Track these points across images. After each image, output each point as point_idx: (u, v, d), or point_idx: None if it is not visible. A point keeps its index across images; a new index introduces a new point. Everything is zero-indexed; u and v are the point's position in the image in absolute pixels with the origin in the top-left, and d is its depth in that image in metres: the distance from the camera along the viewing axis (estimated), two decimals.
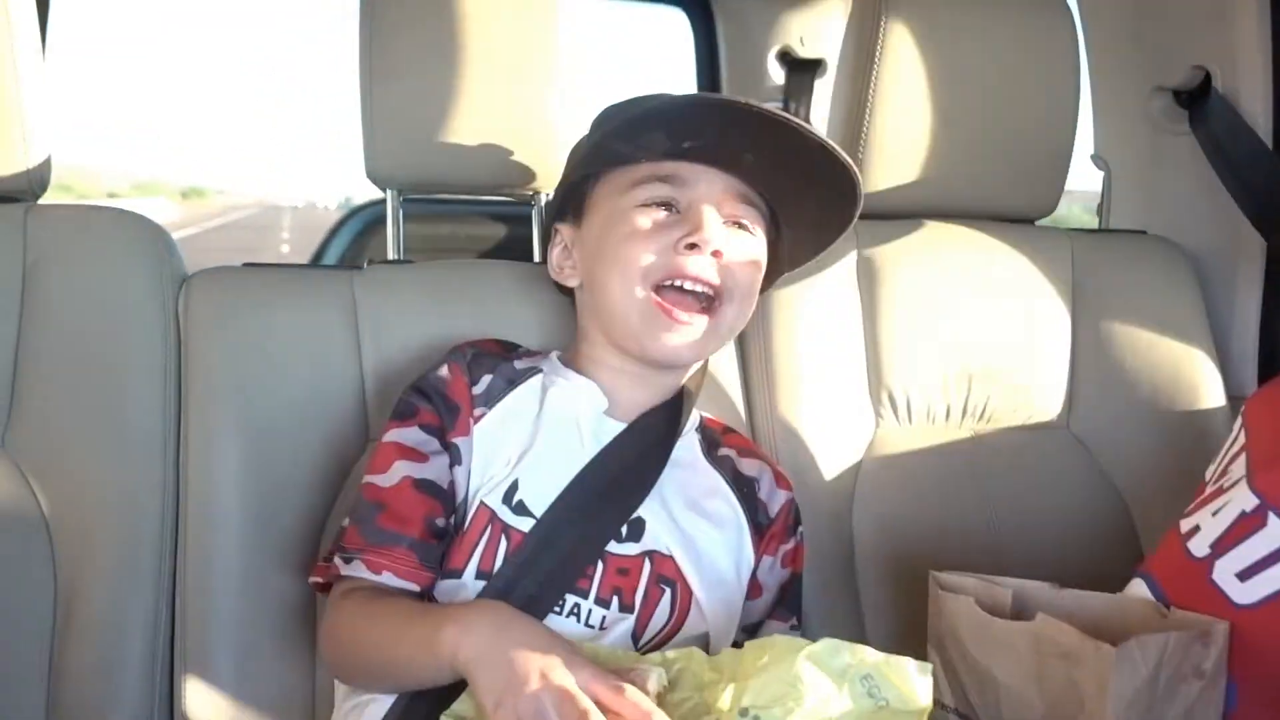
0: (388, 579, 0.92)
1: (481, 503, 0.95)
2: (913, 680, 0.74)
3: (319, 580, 0.97)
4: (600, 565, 0.95)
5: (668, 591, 0.96)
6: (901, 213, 1.32)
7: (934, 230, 1.33)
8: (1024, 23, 1.31)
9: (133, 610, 1.06)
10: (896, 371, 1.28)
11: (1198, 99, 1.45)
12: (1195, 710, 0.81)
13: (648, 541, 0.97)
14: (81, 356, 1.09)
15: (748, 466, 1.06)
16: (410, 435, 0.97)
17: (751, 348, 1.26)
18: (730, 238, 0.98)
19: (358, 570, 0.92)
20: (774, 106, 1.00)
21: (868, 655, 0.74)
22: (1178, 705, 0.79)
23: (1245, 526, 0.87)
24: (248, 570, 1.07)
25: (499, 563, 0.93)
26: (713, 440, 1.07)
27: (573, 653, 0.79)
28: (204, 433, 1.10)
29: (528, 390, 1.01)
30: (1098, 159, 1.63)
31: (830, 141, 0.96)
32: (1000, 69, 1.30)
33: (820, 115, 2.21)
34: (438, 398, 0.98)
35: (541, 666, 0.76)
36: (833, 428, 1.25)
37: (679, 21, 2.47)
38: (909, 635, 1.03)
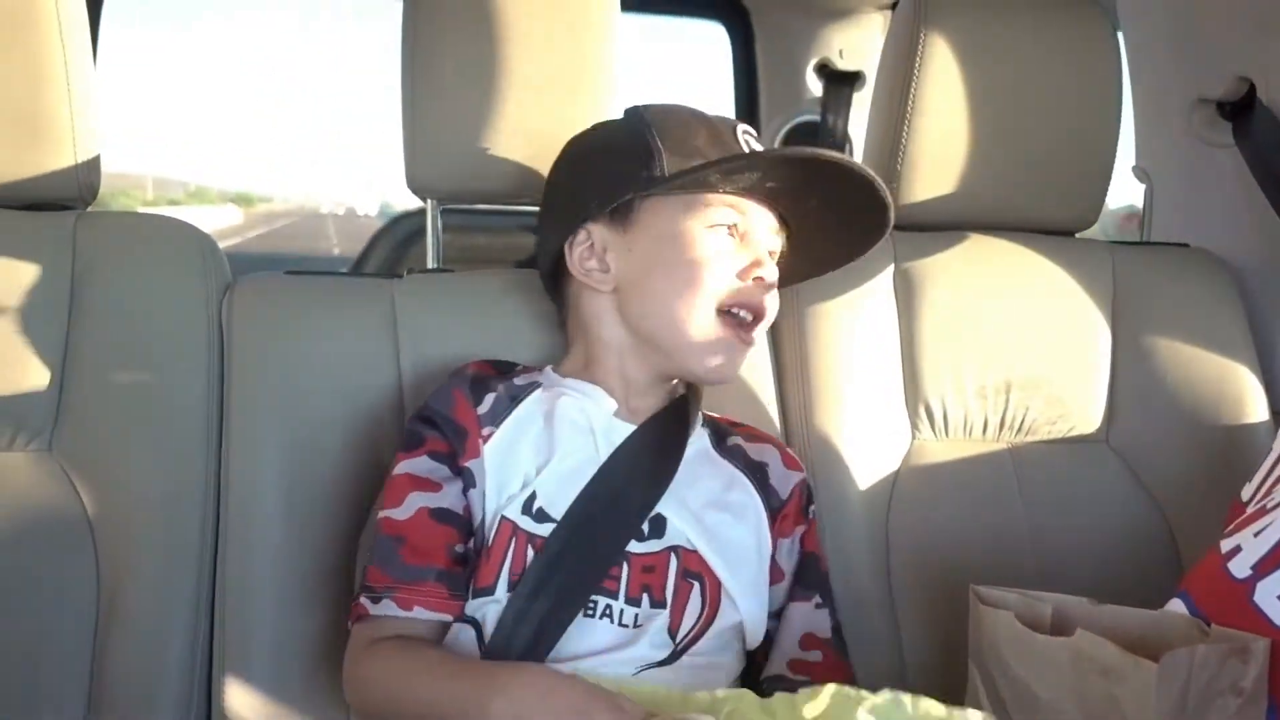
0: (419, 614, 0.94)
1: (503, 517, 0.96)
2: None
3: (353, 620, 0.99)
4: (625, 565, 0.96)
5: (696, 585, 0.97)
6: (940, 224, 1.32)
7: (973, 242, 1.32)
8: (1064, 34, 1.30)
9: (173, 612, 1.08)
10: (933, 383, 1.27)
11: (1241, 111, 1.43)
12: None
13: (670, 537, 0.98)
14: (128, 361, 1.11)
15: (757, 452, 1.07)
16: (421, 465, 0.98)
17: (787, 359, 1.26)
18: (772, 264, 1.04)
19: (387, 609, 0.94)
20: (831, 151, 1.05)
21: (931, 709, 0.73)
22: None
23: None
24: (287, 574, 1.08)
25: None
26: (720, 432, 1.09)
27: (617, 708, 0.80)
28: (246, 437, 1.11)
29: (533, 403, 1.02)
30: (1139, 171, 1.61)
31: (885, 191, 1.02)
32: (1040, 80, 1.29)
33: (857, 127, 2.21)
34: (444, 423, 0.99)
35: None
36: (869, 439, 1.24)
37: (718, 34, 2.48)
38: (945, 649, 1.02)
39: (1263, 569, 0.87)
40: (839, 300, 1.26)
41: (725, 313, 1.00)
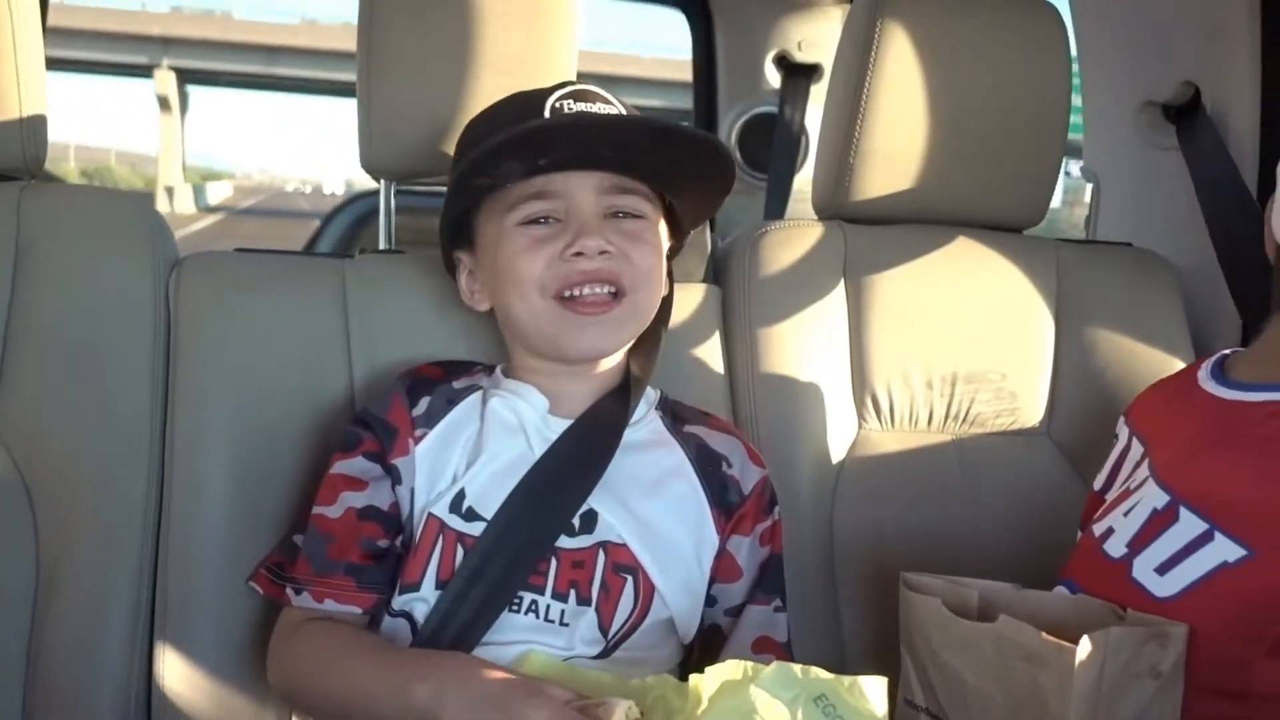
0: (329, 606, 0.96)
1: (429, 514, 0.97)
2: (868, 696, 0.75)
3: (259, 589, 1.03)
4: (554, 560, 0.97)
5: (629, 580, 0.98)
6: (890, 218, 1.34)
7: (922, 236, 1.34)
8: (1018, 33, 1.32)
9: (114, 590, 1.07)
10: (880, 374, 1.29)
11: (1186, 115, 1.47)
12: (1150, 710, 0.82)
13: (600, 532, 0.98)
14: (71, 335, 1.10)
15: (718, 443, 1.06)
16: (353, 466, 1.00)
17: (737, 348, 1.27)
18: (615, 229, 0.99)
19: (306, 601, 0.97)
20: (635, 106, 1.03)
21: (820, 676, 0.75)
22: (1130, 703, 0.81)
23: (1159, 523, 0.89)
24: (231, 552, 1.08)
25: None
26: (677, 415, 1.08)
27: (536, 692, 0.81)
28: (191, 414, 1.10)
29: (468, 406, 1.03)
30: (1087, 171, 1.64)
31: (672, 122, 1.00)
32: (992, 78, 1.31)
33: (815, 119, 2.22)
34: (376, 424, 1.01)
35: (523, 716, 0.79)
36: (816, 430, 1.26)
37: (677, 22, 2.48)
38: (886, 635, 1.04)
39: (1136, 545, 0.91)
40: (788, 291, 1.28)
41: (563, 297, 0.98)
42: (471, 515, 0.97)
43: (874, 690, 0.75)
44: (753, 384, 1.26)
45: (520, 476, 0.98)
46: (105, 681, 1.06)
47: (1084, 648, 0.79)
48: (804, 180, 2.18)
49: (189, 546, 1.08)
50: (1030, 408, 1.33)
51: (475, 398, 1.04)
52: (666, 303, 1.10)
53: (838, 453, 1.26)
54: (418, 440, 1.00)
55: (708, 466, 1.04)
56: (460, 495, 0.98)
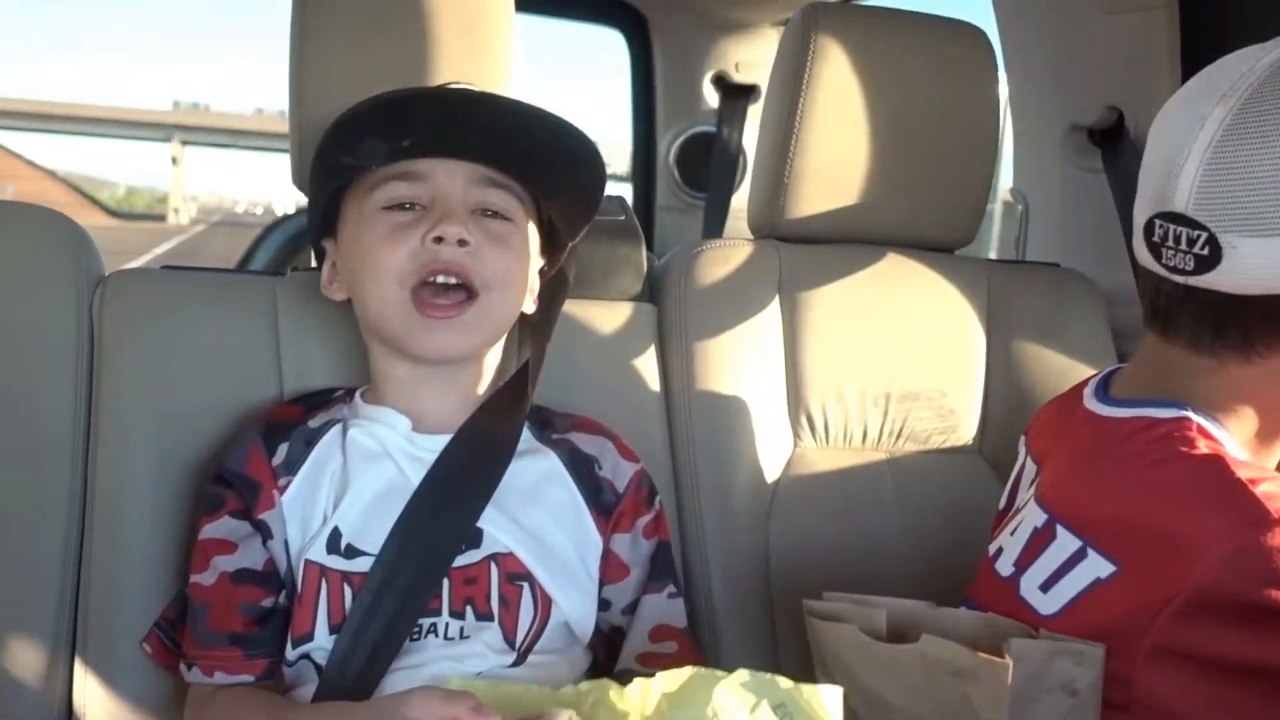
0: (220, 679, 0.94)
1: (306, 561, 0.95)
2: (826, 705, 0.75)
3: (149, 650, 1.02)
4: (446, 582, 0.95)
5: (524, 587, 0.97)
6: (825, 237, 1.35)
7: (856, 255, 1.35)
8: (947, 56, 1.34)
9: (34, 620, 1.04)
10: (815, 392, 1.30)
11: (1111, 138, 1.50)
12: None
13: (488, 546, 0.97)
14: None
15: (588, 444, 1.06)
16: (220, 528, 0.97)
17: (673, 366, 1.27)
18: (479, 226, 0.97)
19: (197, 677, 0.95)
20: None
21: (781, 684, 0.75)
22: (1040, 716, 0.82)
23: (1039, 541, 0.91)
24: (155, 580, 1.05)
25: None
26: (546, 422, 1.07)
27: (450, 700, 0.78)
28: (115, 437, 1.08)
29: (328, 444, 1.00)
30: (1016, 193, 1.68)
31: (538, 108, 0.99)
32: (924, 101, 1.33)
33: (753, 139, 2.24)
34: (237, 481, 0.98)
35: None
36: (751, 448, 1.26)
37: (616, 42, 2.49)
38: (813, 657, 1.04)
39: (1021, 564, 0.92)
40: (724, 310, 1.28)
41: (420, 287, 0.95)
42: (352, 552, 0.95)
43: (830, 699, 0.75)
44: (689, 402, 1.26)
45: (397, 504, 0.95)
46: (24, 707, 1.02)
47: (1011, 661, 0.80)
48: (742, 200, 2.20)
49: (112, 575, 1.05)
50: (963, 426, 1.35)
51: (334, 432, 1.01)
52: (547, 319, 1.08)
53: (773, 470, 1.27)
54: (282, 490, 0.97)
55: (581, 470, 1.04)
56: (335, 534, 0.95)
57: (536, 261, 1.05)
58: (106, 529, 1.06)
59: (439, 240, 0.94)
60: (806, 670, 1.16)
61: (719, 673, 0.75)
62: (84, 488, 1.07)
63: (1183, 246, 0.83)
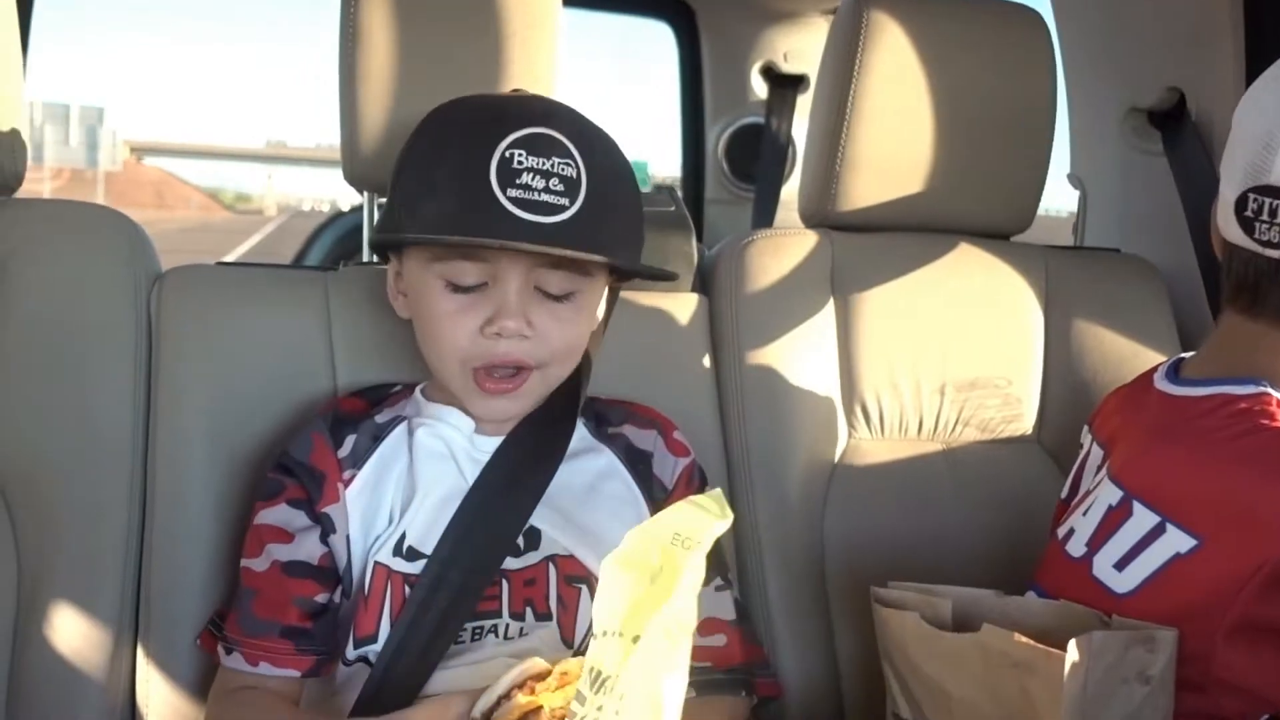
0: (265, 670, 0.94)
1: (376, 563, 0.95)
2: (704, 509, 0.73)
3: (203, 646, 1.01)
4: (505, 583, 0.95)
5: (583, 589, 0.96)
6: (877, 225, 1.33)
7: (909, 243, 1.34)
8: (1002, 41, 1.32)
9: (97, 609, 1.05)
10: (870, 383, 1.28)
11: (1171, 120, 1.47)
12: (1139, 715, 0.81)
13: (546, 547, 0.97)
14: (51, 352, 1.08)
15: (642, 440, 1.05)
16: (277, 515, 0.97)
17: (724, 358, 1.26)
18: (540, 308, 0.95)
19: (237, 663, 0.94)
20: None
21: (661, 520, 0.73)
22: (1118, 708, 0.80)
23: (1114, 519, 0.91)
24: (214, 569, 1.06)
25: None
26: (600, 417, 1.07)
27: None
28: (172, 430, 1.09)
29: (394, 441, 1.00)
30: (1073, 178, 1.64)
31: (591, 255, 0.93)
32: (978, 85, 1.31)
33: (801, 130, 2.22)
34: (301, 470, 0.98)
35: None
36: (805, 439, 1.25)
37: (664, 35, 2.48)
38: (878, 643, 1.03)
39: (1095, 544, 0.92)
40: (775, 300, 1.27)
41: (480, 369, 0.96)
42: (413, 554, 0.95)
43: (707, 501, 0.73)
44: (741, 393, 1.25)
45: (455, 505, 0.96)
46: (89, 700, 1.04)
47: (1071, 653, 0.78)
48: (791, 191, 2.18)
49: (172, 565, 1.07)
50: (1021, 415, 1.33)
51: (401, 430, 1.01)
52: (600, 329, 1.07)
53: (828, 462, 1.26)
54: (346, 483, 0.97)
55: (638, 465, 1.04)
56: (403, 537, 0.96)
57: (599, 304, 1.03)
58: (166, 523, 1.08)
59: (495, 335, 0.94)
60: (866, 661, 1.15)
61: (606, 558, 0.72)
62: (144, 482, 1.09)
63: (1279, 220, 0.84)
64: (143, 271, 1.13)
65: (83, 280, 1.11)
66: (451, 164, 0.93)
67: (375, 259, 1.33)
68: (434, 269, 0.95)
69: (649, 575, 0.71)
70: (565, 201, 0.91)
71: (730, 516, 0.73)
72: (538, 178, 0.91)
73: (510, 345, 0.94)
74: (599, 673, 0.70)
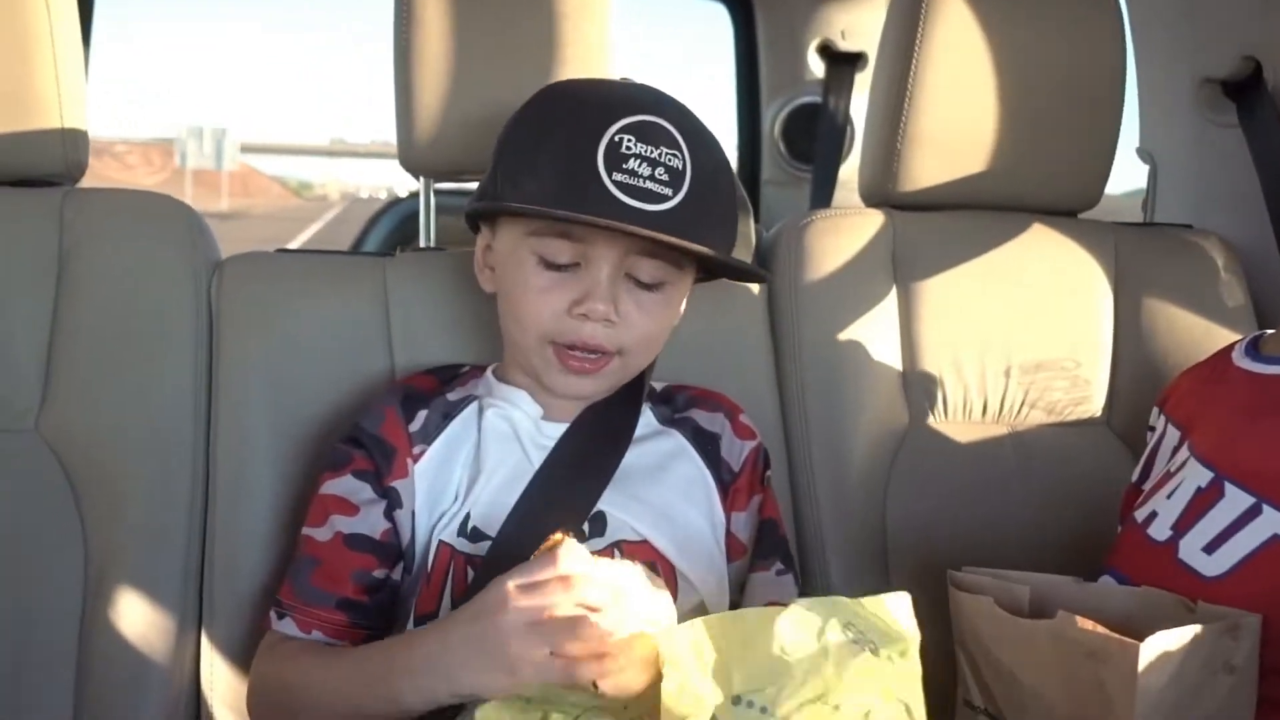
0: (317, 637, 0.94)
1: (440, 541, 0.95)
2: (892, 613, 0.72)
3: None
4: None
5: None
6: (939, 204, 1.30)
7: (973, 221, 1.31)
8: (1067, 12, 1.28)
9: (161, 594, 1.06)
10: (932, 365, 1.26)
11: (1246, 91, 1.42)
12: (1225, 706, 0.79)
13: (613, 533, 0.96)
14: (115, 340, 1.10)
15: (709, 421, 1.05)
16: (343, 485, 0.97)
17: (784, 339, 1.24)
18: (630, 296, 0.95)
19: (289, 628, 0.94)
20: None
21: (843, 602, 0.72)
22: (1206, 701, 0.77)
23: (1204, 501, 0.88)
24: (276, 558, 1.07)
25: None
26: (667, 401, 1.06)
27: (500, 607, 0.77)
28: (234, 417, 1.10)
29: (465, 420, 1.00)
30: (1143, 153, 1.60)
31: (693, 245, 0.91)
32: (1043, 59, 1.27)
33: (860, 109, 2.19)
34: (371, 441, 0.98)
35: (500, 626, 0.76)
36: (866, 421, 1.23)
37: (719, 14, 2.46)
38: (942, 627, 1.00)
39: (1181, 526, 0.89)
40: (836, 280, 1.25)
41: (562, 346, 0.95)
42: (477, 535, 0.95)
43: (896, 606, 0.72)
44: (801, 375, 1.23)
45: (520, 488, 0.95)
46: (154, 682, 1.05)
47: (1151, 646, 0.75)
48: (849, 171, 2.15)
49: (235, 549, 1.08)
50: (1089, 397, 1.30)
51: (471, 409, 1.01)
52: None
53: (890, 445, 1.23)
54: (416, 459, 0.97)
55: (707, 446, 1.03)
56: (467, 518, 0.95)
57: (684, 297, 1.02)
58: (228, 507, 1.09)
59: (582, 316, 0.93)
60: (929, 646, 1.14)
61: (772, 608, 0.72)
62: (206, 466, 1.10)
63: None
64: (202, 259, 1.15)
65: (145, 268, 1.12)
66: (558, 142, 0.93)
67: (432, 244, 1.34)
68: (528, 244, 0.95)
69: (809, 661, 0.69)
70: (669, 191, 0.91)
71: (916, 637, 0.71)
72: (644, 165, 0.91)
73: (595, 329, 0.94)
74: None
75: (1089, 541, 1.23)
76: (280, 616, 0.95)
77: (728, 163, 1.01)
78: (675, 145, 0.92)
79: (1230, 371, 0.95)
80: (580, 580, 0.76)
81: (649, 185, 0.90)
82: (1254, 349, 0.95)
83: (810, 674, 0.69)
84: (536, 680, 0.76)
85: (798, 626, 0.70)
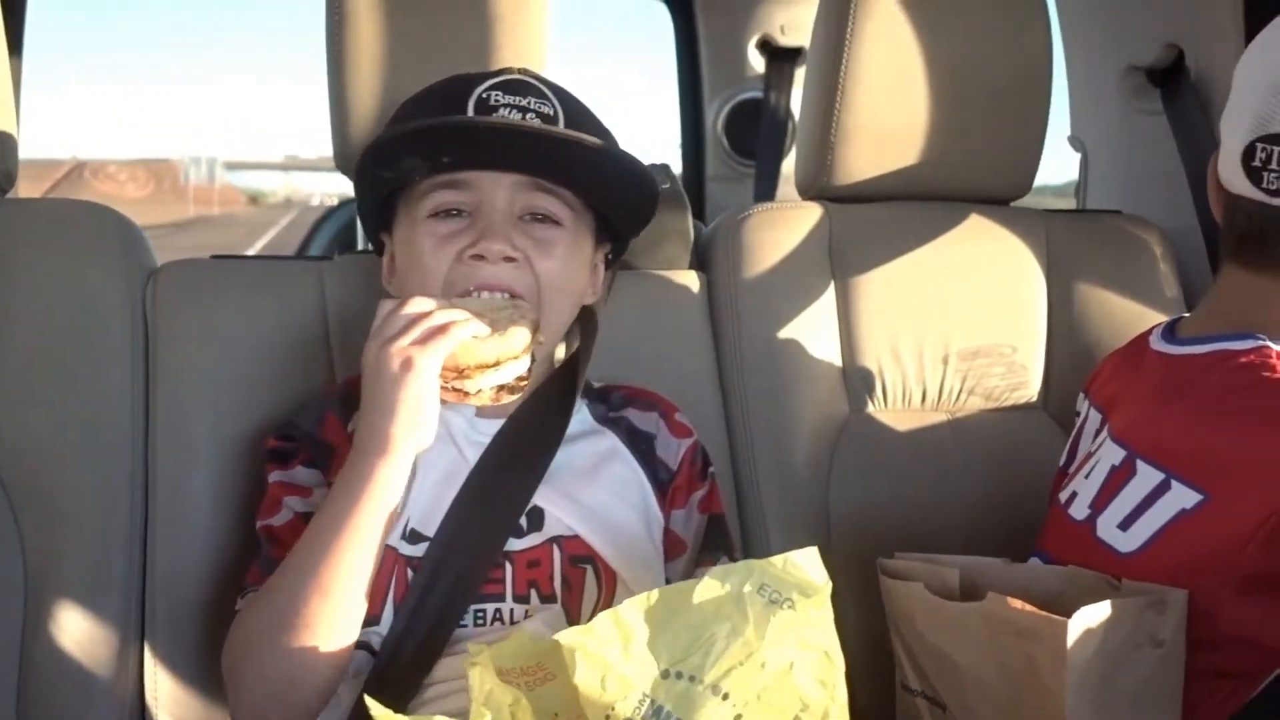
0: None
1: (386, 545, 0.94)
2: (802, 567, 0.74)
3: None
4: (508, 565, 0.95)
5: (588, 569, 0.96)
6: (874, 196, 1.32)
7: (907, 212, 1.33)
8: (996, 4, 1.30)
9: (102, 601, 1.06)
10: (871, 354, 1.27)
11: (1170, 78, 1.45)
12: (1154, 678, 0.81)
13: (550, 528, 0.96)
14: (50, 348, 1.09)
15: (643, 422, 1.05)
16: (294, 474, 0.98)
17: (724, 332, 1.26)
18: (526, 234, 0.95)
19: None
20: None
21: (755, 566, 0.74)
22: (1134, 673, 0.80)
23: (1118, 479, 0.91)
24: (217, 558, 1.07)
25: None
26: (603, 401, 1.07)
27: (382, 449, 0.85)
28: (173, 424, 1.09)
29: None
30: (1074, 140, 1.63)
31: (581, 138, 0.94)
32: (972, 50, 1.29)
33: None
34: (308, 440, 0.98)
35: (383, 371, 0.85)
36: (808, 411, 1.24)
37: (659, 12, 2.46)
38: (885, 618, 1.02)
39: (1098, 505, 0.92)
40: (774, 273, 1.26)
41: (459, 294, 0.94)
42: (416, 537, 0.94)
43: (807, 560, 0.74)
44: (741, 368, 1.24)
45: (456, 487, 0.95)
46: (98, 697, 1.04)
47: (1078, 621, 0.78)
48: (792, 165, 2.16)
49: (176, 559, 1.07)
50: (1025, 383, 1.32)
51: None
52: (590, 312, 1.06)
53: (831, 434, 1.25)
54: None
55: (641, 447, 1.04)
56: (405, 522, 0.95)
57: (589, 256, 1.03)
58: (168, 516, 1.08)
59: (476, 257, 0.93)
60: (873, 632, 1.16)
61: (689, 581, 0.73)
62: (145, 475, 1.09)
63: None
64: (137, 266, 1.14)
65: (78, 277, 1.11)
66: (425, 111, 0.95)
67: (370, 247, 1.33)
68: (421, 209, 0.96)
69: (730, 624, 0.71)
70: (551, 104, 0.95)
71: (828, 585, 0.74)
72: (514, 111, 0.94)
73: (496, 271, 0.94)
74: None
75: (1027, 523, 1.24)
76: (243, 595, 0.95)
77: (599, 120, 1.02)
78: (544, 96, 0.95)
79: (1147, 354, 0.97)
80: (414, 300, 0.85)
81: (527, 102, 0.94)
82: (1170, 332, 0.97)
83: (732, 638, 0.71)
84: (434, 373, 0.84)
85: (715, 594, 0.72)
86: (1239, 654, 0.83)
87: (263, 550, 0.96)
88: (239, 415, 1.10)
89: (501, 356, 0.87)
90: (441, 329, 0.84)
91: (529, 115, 0.93)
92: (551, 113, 0.94)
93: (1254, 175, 0.86)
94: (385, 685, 0.90)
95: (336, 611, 0.85)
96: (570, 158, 0.96)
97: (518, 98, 0.94)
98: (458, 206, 0.95)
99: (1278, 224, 0.88)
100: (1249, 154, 0.87)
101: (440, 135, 0.93)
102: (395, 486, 0.86)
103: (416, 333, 0.85)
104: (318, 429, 0.98)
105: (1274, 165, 0.85)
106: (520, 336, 0.88)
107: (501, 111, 0.93)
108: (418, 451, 0.87)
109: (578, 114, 0.97)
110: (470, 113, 0.93)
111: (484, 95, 0.94)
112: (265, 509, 0.98)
